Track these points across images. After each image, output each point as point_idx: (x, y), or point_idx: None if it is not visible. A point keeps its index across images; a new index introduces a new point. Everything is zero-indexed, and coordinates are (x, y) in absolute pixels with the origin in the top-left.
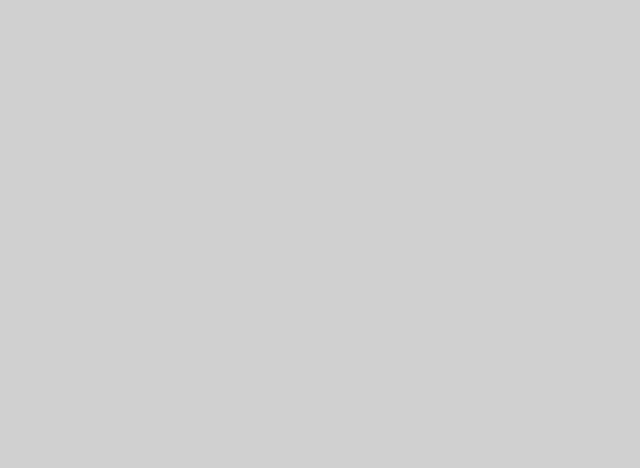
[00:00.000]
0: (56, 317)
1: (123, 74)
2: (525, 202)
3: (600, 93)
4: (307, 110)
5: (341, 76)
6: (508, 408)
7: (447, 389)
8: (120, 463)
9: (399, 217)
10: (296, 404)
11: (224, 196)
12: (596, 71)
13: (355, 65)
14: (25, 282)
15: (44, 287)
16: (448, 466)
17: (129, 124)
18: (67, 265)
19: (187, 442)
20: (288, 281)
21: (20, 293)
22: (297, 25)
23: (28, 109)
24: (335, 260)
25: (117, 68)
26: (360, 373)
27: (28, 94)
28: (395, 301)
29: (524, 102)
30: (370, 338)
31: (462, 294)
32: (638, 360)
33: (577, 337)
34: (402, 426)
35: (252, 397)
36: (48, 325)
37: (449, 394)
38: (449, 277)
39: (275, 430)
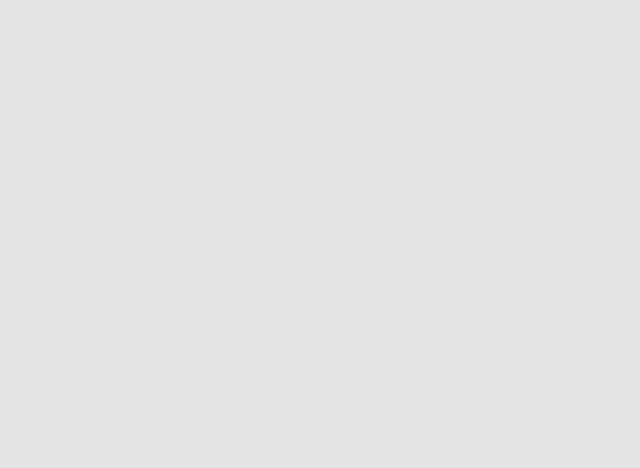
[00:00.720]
0: (56, 317)
1: (123, 74)
2: (525, 203)
3: (600, 93)
4: (307, 110)
5: (341, 76)
6: (508, 407)
7: (447, 389)
8: (120, 463)
9: (399, 218)
10: (296, 404)
11: (225, 197)
12: (596, 71)
13: (355, 65)
14: (25, 282)
15: (44, 287)
16: (448, 466)
17: (129, 124)
18: (67, 266)
19: (187, 442)
20: (288, 282)
21: (21, 294)
22: (297, 26)
23: (28, 109)
24: (335, 261)
25: (117, 68)
26: (360, 374)
27: (28, 94)
28: (395, 302)
29: (524, 102)
30: (370, 339)
31: (462, 295)
32: (638, 360)
33: (576, 338)
34: (402, 426)
35: (252, 397)
36: (48, 325)
37: (449, 394)
38: (449, 278)
39: (275, 430)
